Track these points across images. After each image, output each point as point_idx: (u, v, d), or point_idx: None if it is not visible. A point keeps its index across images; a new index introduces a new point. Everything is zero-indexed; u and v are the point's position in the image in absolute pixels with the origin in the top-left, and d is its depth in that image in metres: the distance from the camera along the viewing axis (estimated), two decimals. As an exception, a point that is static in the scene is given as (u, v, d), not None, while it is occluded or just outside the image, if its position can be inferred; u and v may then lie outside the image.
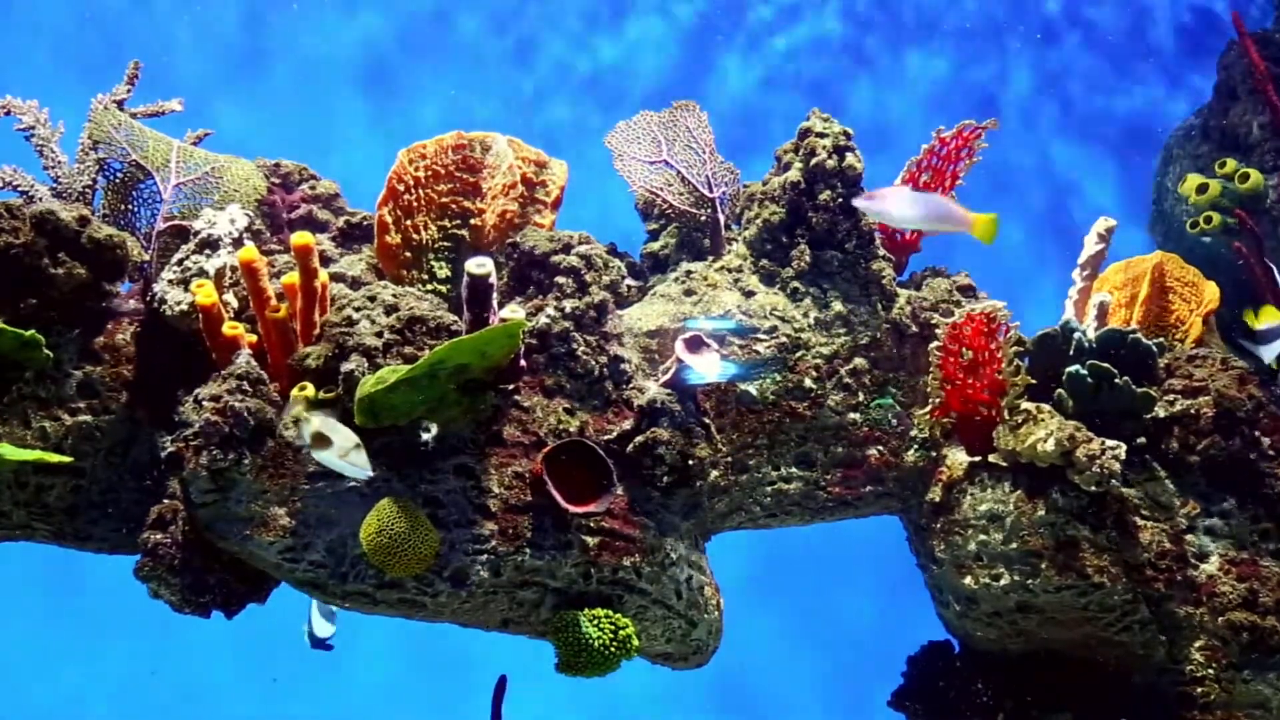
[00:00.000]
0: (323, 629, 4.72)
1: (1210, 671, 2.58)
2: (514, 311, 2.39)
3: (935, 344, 2.74)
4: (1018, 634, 2.71)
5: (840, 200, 2.81)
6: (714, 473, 2.69)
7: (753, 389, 2.75)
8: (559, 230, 2.70)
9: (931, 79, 8.75)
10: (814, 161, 2.81)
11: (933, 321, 2.87)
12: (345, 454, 2.06)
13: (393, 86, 8.59)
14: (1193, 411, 2.69)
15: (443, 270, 2.64)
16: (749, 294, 2.83)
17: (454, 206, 2.65)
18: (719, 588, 2.74)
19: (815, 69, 8.78)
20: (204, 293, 2.25)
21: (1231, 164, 3.92)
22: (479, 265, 2.21)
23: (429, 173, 2.61)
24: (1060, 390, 2.68)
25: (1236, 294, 3.44)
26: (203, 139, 2.76)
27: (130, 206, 2.61)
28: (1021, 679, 2.77)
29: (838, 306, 2.84)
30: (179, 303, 2.38)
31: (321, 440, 2.08)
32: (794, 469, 2.82)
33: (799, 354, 2.79)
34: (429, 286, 2.61)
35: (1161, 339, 2.97)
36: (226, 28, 8.42)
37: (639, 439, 2.46)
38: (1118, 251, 3.12)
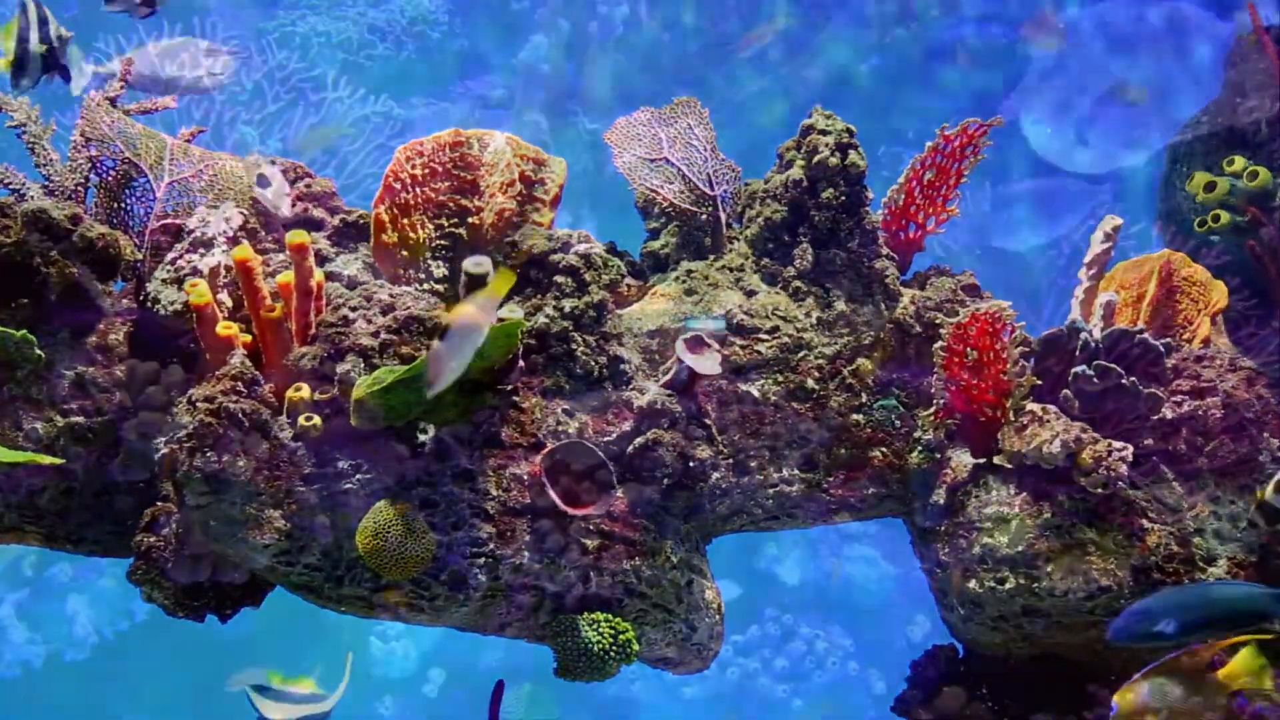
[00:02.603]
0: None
1: (1218, 677, 2.54)
2: (512, 311, 2.37)
3: (939, 344, 2.70)
4: (1023, 638, 2.67)
5: (843, 199, 2.78)
6: (715, 475, 2.66)
7: (754, 390, 2.72)
8: (557, 229, 2.67)
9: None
10: (816, 159, 2.77)
11: (937, 321, 2.84)
12: None
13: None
14: (1200, 413, 2.66)
15: (440, 269, 2.61)
16: (751, 293, 2.79)
17: (451, 205, 2.62)
18: (719, 590, 2.71)
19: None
20: (198, 292, 2.23)
21: (1240, 161, 3.87)
22: (477, 264, 2.19)
23: (426, 170, 2.58)
24: (1066, 391, 2.65)
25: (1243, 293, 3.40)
26: (196, 136, 2.73)
27: (123, 205, 2.57)
28: (1026, 683, 2.74)
29: (840, 306, 2.80)
30: (173, 302, 2.35)
31: None
32: (796, 471, 2.79)
33: (801, 354, 2.75)
34: (426, 286, 2.58)
35: (1169, 339, 2.93)
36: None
37: (639, 440, 2.43)
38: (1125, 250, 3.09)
